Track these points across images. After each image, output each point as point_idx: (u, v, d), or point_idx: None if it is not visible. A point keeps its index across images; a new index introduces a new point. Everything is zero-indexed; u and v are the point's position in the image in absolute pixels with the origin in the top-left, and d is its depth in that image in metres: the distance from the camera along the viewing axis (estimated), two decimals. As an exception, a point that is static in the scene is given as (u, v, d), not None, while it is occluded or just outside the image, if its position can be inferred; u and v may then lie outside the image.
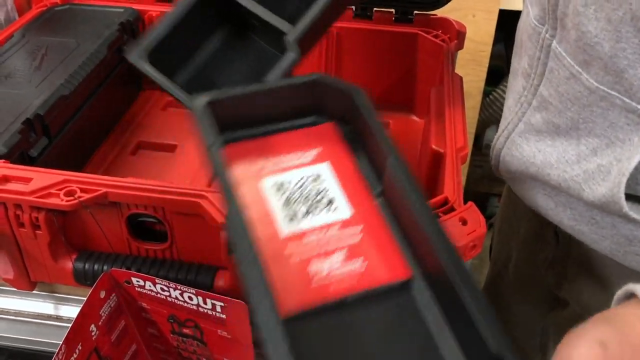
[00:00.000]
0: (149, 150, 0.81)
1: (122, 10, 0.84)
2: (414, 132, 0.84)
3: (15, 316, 0.64)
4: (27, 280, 0.61)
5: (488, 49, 1.52)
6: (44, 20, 0.81)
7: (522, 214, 0.73)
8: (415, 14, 0.83)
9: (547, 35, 0.55)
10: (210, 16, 0.60)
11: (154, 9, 0.86)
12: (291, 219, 0.38)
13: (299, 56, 0.54)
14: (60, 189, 0.54)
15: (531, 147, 0.59)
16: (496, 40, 1.50)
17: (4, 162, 0.57)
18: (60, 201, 0.53)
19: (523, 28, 0.61)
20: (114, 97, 0.82)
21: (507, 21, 0.70)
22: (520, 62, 0.61)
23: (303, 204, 0.39)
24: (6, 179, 0.55)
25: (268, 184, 0.41)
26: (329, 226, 0.38)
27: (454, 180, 0.56)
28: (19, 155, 0.61)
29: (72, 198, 0.53)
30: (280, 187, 0.40)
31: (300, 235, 0.37)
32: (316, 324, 0.33)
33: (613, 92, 0.48)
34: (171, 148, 0.81)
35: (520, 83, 0.60)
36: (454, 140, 0.61)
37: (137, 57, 0.56)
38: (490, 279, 0.86)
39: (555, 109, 0.55)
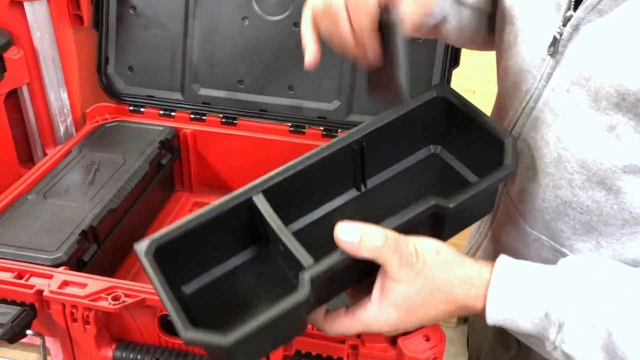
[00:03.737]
0: (177, 248, 0.96)
1: (161, 128, 1.00)
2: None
3: (61, 393, 0.76)
4: (74, 364, 0.74)
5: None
6: (97, 137, 0.98)
7: None
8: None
9: None
10: (237, 232, 0.61)
11: (188, 127, 1.02)
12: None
13: (308, 295, 0.50)
14: (109, 294, 0.68)
15: None
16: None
17: (64, 268, 0.72)
18: (108, 304, 0.67)
19: None
20: (151, 201, 0.97)
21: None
22: None
23: None
24: (66, 284, 0.69)
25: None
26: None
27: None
28: (75, 261, 0.75)
29: (117, 302, 0.67)
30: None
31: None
32: None
33: (543, 237, 0.62)
34: (196, 246, 0.95)
35: None
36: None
37: (144, 246, 0.56)
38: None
39: (504, 243, 0.68)
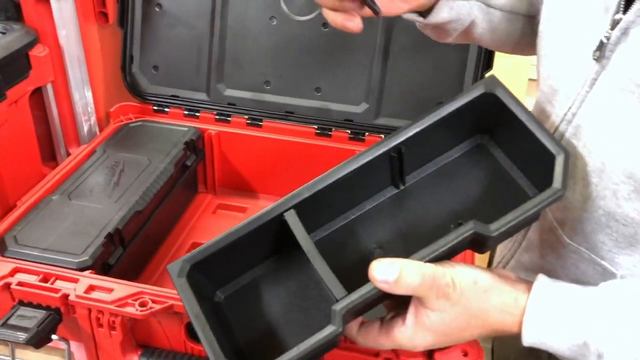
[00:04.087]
0: (201, 251, 0.94)
1: (186, 129, 0.98)
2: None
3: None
4: (98, 370, 0.73)
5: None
6: (121, 137, 0.96)
7: None
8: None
9: None
10: (269, 241, 0.60)
11: (213, 128, 1.01)
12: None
13: (339, 330, 0.50)
14: (136, 300, 0.66)
15: None
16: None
17: (90, 272, 0.70)
18: (135, 311, 0.65)
19: None
20: (175, 203, 0.96)
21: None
22: None
23: None
24: (92, 288, 0.68)
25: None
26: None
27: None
28: (101, 264, 0.74)
29: (144, 309, 0.65)
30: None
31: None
32: None
33: (582, 248, 0.59)
34: (220, 250, 0.93)
35: None
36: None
37: (177, 268, 0.57)
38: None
39: (539, 253, 0.66)
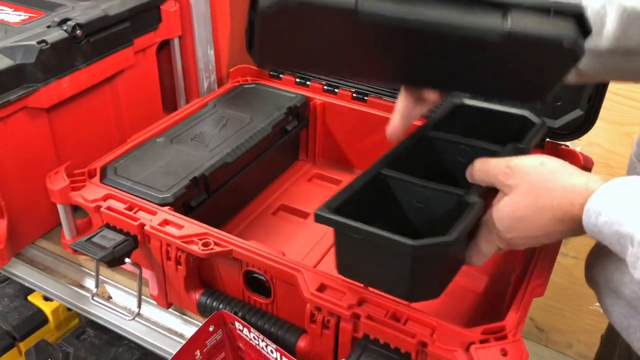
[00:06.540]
0: (287, 213, 0.97)
1: (293, 95, 1.01)
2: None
3: (152, 325, 0.81)
4: (165, 300, 0.78)
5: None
6: (234, 95, 1.01)
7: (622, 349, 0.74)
8: (547, 141, 0.88)
9: None
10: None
11: (319, 98, 1.02)
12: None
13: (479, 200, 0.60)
14: (201, 239, 0.70)
15: (613, 262, 0.63)
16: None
17: (169, 208, 0.75)
18: (198, 249, 0.69)
19: None
20: (270, 164, 0.99)
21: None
22: None
23: None
24: (166, 223, 0.73)
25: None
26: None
27: (518, 312, 0.61)
28: (182, 204, 0.79)
29: (206, 249, 0.69)
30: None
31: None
32: None
33: None
34: (305, 215, 0.95)
35: None
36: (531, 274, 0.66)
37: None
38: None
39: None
